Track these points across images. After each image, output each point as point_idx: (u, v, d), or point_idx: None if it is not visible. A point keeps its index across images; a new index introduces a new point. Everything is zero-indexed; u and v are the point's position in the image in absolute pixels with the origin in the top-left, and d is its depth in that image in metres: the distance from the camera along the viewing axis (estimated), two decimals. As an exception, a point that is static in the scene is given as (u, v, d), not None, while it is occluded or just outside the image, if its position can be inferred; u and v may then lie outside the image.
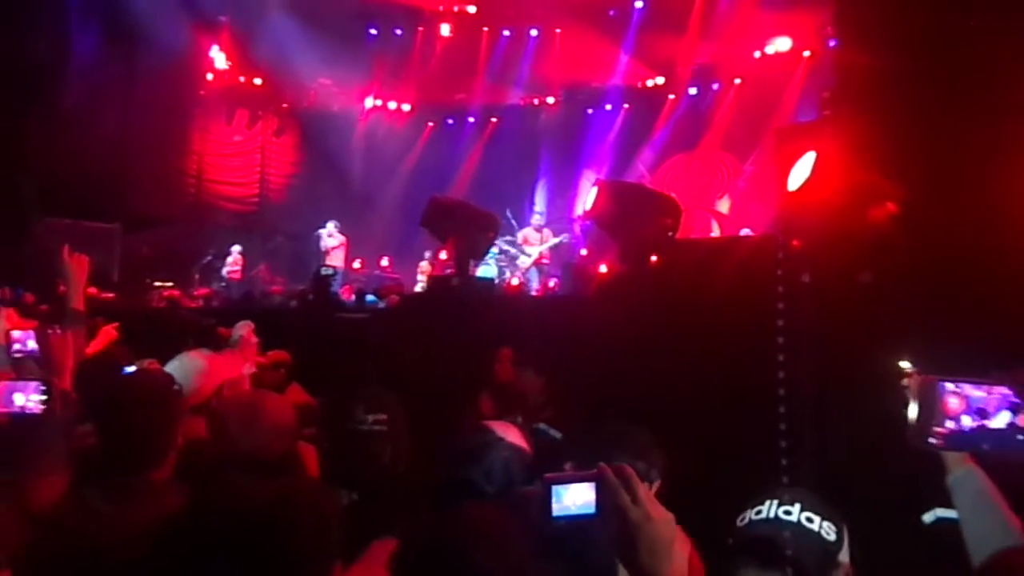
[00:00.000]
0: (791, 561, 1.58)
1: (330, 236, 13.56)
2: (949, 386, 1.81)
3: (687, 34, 13.69)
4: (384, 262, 14.52)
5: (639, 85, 15.12)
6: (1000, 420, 1.79)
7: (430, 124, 17.13)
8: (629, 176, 14.04)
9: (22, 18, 10.85)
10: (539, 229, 12.39)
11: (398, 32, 16.26)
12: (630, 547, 1.31)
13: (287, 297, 11.05)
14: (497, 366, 4.28)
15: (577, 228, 13.12)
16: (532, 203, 15.33)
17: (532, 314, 6.55)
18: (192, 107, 15.31)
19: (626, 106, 15.38)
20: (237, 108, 16.24)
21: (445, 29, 15.98)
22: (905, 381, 1.95)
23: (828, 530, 1.65)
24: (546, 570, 1.65)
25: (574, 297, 8.64)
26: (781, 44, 13.20)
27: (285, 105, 16.70)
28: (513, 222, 12.68)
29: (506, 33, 15.80)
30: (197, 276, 13.32)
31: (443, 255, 11.42)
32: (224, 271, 13.65)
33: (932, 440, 1.82)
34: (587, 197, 7.90)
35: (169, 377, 2.49)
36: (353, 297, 10.74)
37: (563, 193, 15.50)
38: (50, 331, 2.90)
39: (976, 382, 1.81)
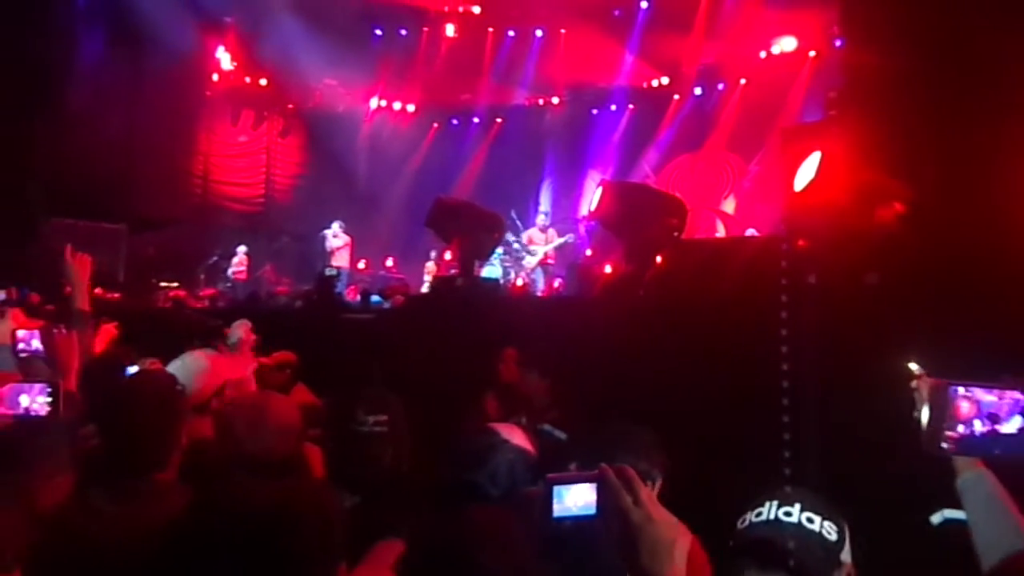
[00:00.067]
0: (792, 563, 1.57)
1: (335, 236, 13.58)
2: (961, 390, 1.80)
3: (692, 34, 13.67)
4: (389, 262, 14.54)
5: (644, 85, 15.10)
6: (1012, 425, 1.77)
7: (435, 124, 17.14)
8: (634, 176, 14.02)
9: (28, 20, 10.88)
10: (544, 229, 12.39)
11: (403, 33, 16.27)
12: (631, 549, 1.31)
13: (292, 297, 11.06)
14: (502, 367, 4.27)
15: (582, 228, 13.10)
16: (537, 203, 15.33)
17: (537, 315, 6.54)
18: (198, 108, 15.35)
19: (631, 106, 15.36)
20: (242, 109, 16.27)
21: (450, 29, 15.99)
22: (914, 383, 1.94)
23: (829, 530, 1.64)
24: (550, 572, 1.64)
25: (579, 298, 8.63)
26: (786, 44, 13.17)
27: (290, 106, 16.73)
28: (518, 222, 12.68)
29: (511, 33, 15.79)
30: (203, 276, 13.35)
31: (448, 255, 11.42)
32: (230, 271, 13.68)
33: (944, 445, 1.81)
34: (592, 197, 7.89)
35: (172, 378, 2.49)
36: (358, 297, 10.75)
37: (568, 193, 15.49)
38: (56, 331, 2.91)
39: (988, 386, 1.80)
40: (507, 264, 12.30)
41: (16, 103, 10.59)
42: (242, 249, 13.95)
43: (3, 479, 2.02)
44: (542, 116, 16.47)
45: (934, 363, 1.96)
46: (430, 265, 13.07)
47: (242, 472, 2.25)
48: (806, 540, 1.60)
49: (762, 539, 1.63)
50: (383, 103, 17.07)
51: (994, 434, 1.78)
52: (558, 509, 1.39)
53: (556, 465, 2.20)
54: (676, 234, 6.11)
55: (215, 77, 15.52)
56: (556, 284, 11.69)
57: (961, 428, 1.79)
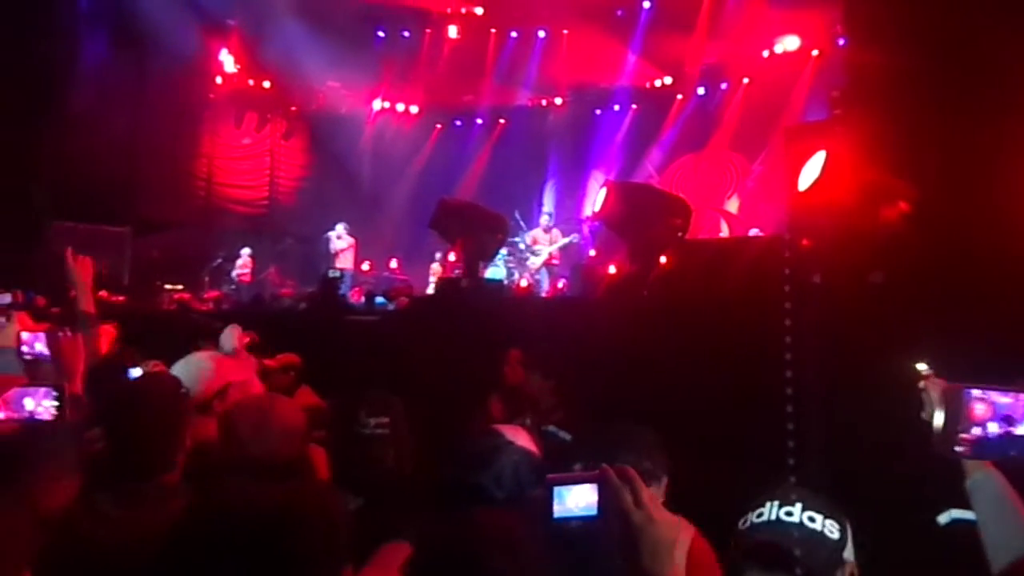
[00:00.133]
0: (795, 564, 1.56)
1: (339, 238, 13.59)
2: (975, 393, 1.79)
3: (695, 34, 13.65)
4: (393, 264, 14.54)
5: (647, 85, 15.09)
6: None
7: (438, 126, 17.15)
8: (637, 176, 14.01)
9: (32, 22, 10.91)
10: (548, 230, 12.39)
11: (406, 34, 16.27)
12: (632, 549, 1.30)
13: (297, 299, 11.07)
14: (506, 368, 4.27)
15: (586, 229, 13.11)
16: (540, 204, 15.33)
17: (541, 315, 6.54)
18: (201, 110, 15.39)
19: (634, 106, 15.35)
20: (246, 111, 16.31)
21: (453, 31, 15.99)
22: (921, 384, 1.93)
23: (831, 528, 1.63)
24: (553, 574, 1.64)
25: (583, 298, 8.63)
26: (789, 43, 13.15)
27: (294, 108, 16.76)
28: (522, 223, 12.68)
29: (513, 34, 15.79)
30: (207, 279, 13.38)
31: (452, 257, 11.43)
32: (234, 274, 13.71)
33: (958, 448, 1.80)
34: (595, 198, 7.88)
35: (177, 381, 2.50)
36: (363, 299, 10.76)
37: (571, 194, 15.49)
38: (61, 334, 2.91)
39: (1003, 389, 1.79)
40: (511, 265, 12.30)
41: (20, 106, 10.61)
42: (246, 251, 13.97)
43: (9, 483, 2.02)
44: (545, 117, 16.47)
45: (940, 363, 1.96)
46: (435, 267, 13.07)
47: (246, 474, 2.25)
48: (808, 540, 1.59)
49: (764, 541, 1.62)
50: (386, 105, 17.09)
51: (1009, 436, 1.77)
52: (559, 510, 1.38)
53: (561, 466, 2.20)
54: (680, 234, 6.10)
55: (218, 80, 15.56)
56: (560, 285, 11.69)
57: (976, 430, 1.79)
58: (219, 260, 13.77)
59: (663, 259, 5.65)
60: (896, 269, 3.73)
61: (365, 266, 14.32)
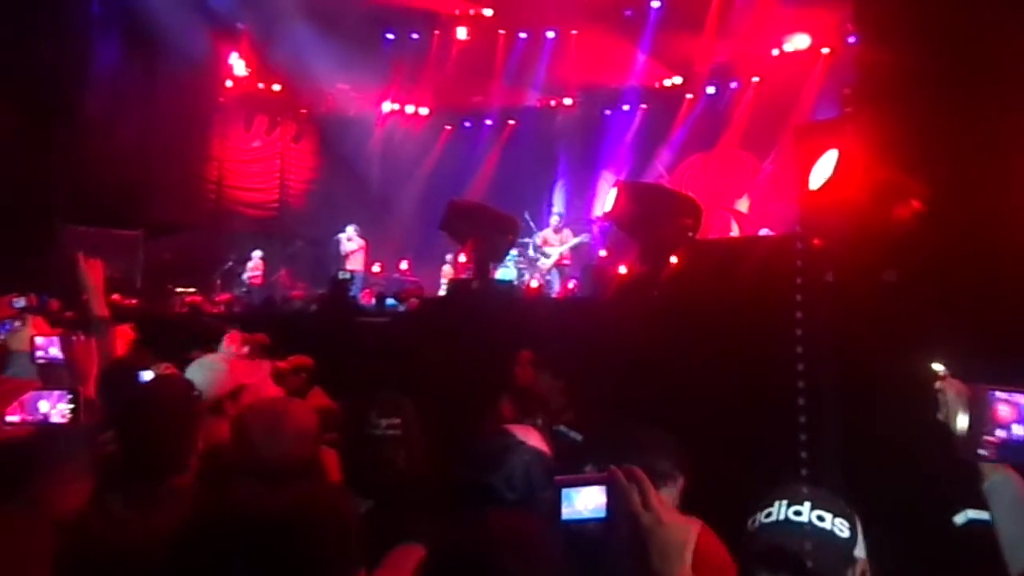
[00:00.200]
0: (805, 567, 1.54)
1: (349, 240, 13.61)
2: (1000, 394, 1.76)
3: (704, 33, 13.62)
4: (403, 265, 14.56)
5: (656, 85, 15.05)
6: None
7: (447, 127, 17.16)
8: (647, 176, 13.98)
9: (44, 27, 10.98)
10: (558, 230, 12.38)
11: (415, 36, 16.30)
12: (641, 552, 1.29)
13: (308, 301, 11.10)
14: (517, 369, 4.27)
15: (596, 229, 13.08)
16: (550, 205, 15.32)
17: (552, 316, 6.53)
18: (212, 114, 15.44)
19: (644, 106, 15.32)
20: (256, 114, 16.36)
21: (462, 32, 16.01)
22: (938, 384, 1.91)
23: (841, 527, 1.60)
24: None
25: (593, 299, 8.61)
26: (799, 41, 13.09)
27: (303, 111, 16.80)
28: (531, 224, 12.67)
29: (522, 35, 15.79)
30: (218, 282, 13.43)
31: (462, 258, 11.43)
32: (245, 276, 13.75)
33: (982, 451, 1.77)
34: (605, 198, 7.87)
35: (188, 383, 2.50)
36: (373, 301, 10.77)
37: (581, 194, 15.47)
38: (74, 338, 2.92)
39: None
40: (521, 266, 12.29)
41: (32, 110, 10.68)
42: (257, 254, 14.01)
43: (24, 485, 2.03)
44: (554, 117, 16.46)
45: (955, 362, 1.94)
46: (447, 269, 13.07)
47: (259, 477, 2.25)
48: (818, 541, 1.57)
49: (773, 544, 1.60)
50: (395, 107, 17.11)
51: None
52: (567, 512, 1.37)
53: (572, 466, 2.19)
54: (690, 234, 6.09)
55: (228, 83, 15.61)
56: (571, 285, 11.67)
57: (1000, 433, 1.75)
58: (230, 263, 13.82)
59: (674, 259, 5.64)
60: (909, 268, 3.70)
61: (375, 268, 14.34)
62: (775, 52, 13.41)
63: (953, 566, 2.52)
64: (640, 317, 5.01)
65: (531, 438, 2.26)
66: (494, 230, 7.50)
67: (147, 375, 3.14)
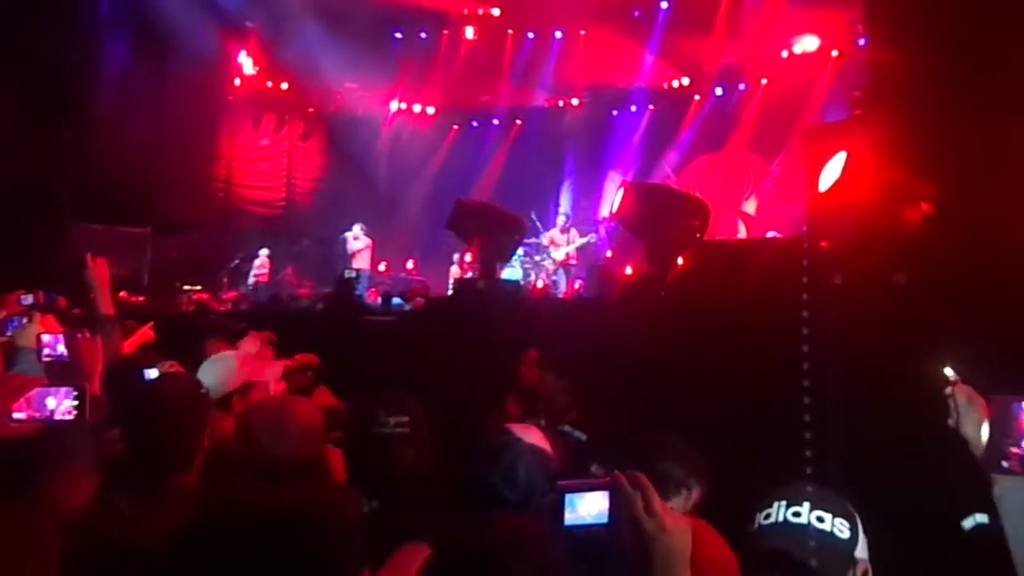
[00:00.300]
0: (805, 570, 1.52)
1: (356, 239, 13.63)
2: None
3: (713, 34, 13.59)
4: (410, 264, 14.57)
5: (664, 86, 15.04)
6: None
7: (455, 127, 17.17)
8: (655, 177, 13.96)
9: (53, 25, 11.02)
10: (565, 230, 12.37)
11: (423, 36, 16.32)
12: (644, 559, 1.27)
13: (314, 300, 11.12)
14: (523, 368, 4.27)
15: (602, 230, 13.07)
16: (557, 205, 15.31)
17: (558, 316, 6.52)
18: (220, 112, 15.50)
19: (651, 107, 15.31)
20: (264, 113, 16.41)
21: (470, 32, 16.02)
22: (949, 389, 1.89)
23: (841, 528, 1.58)
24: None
25: (599, 299, 8.60)
26: (808, 43, 13.06)
27: (311, 109, 16.85)
28: (538, 224, 12.67)
29: (530, 35, 15.80)
30: (225, 280, 13.47)
31: (468, 257, 11.43)
32: (252, 274, 13.78)
33: (1005, 463, 1.73)
34: (612, 199, 7.86)
35: (196, 381, 2.51)
36: (379, 300, 10.78)
37: (588, 195, 15.46)
38: (80, 336, 2.93)
39: None
40: (528, 266, 12.29)
41: (42, 108, 10.72)
42: (264, 252, 14.04)
43: (29, 482, 2.03)
44: (562, 117, 16.45)
45: (965, 366, 1.92)
46: (454, 269, 13.06)
47: (263, 475, 2.25)
48: (817, 543, 1.55)
49: (773, 548, 1.57)
50: (403, 106, 17.14)
51: None
52: (570, 518, 1.34)
53: (576, 465, 2.18)
54: (698, 235, 6.08)
55: (237, 82, 15.67)
56: (577, 285, 11.66)
57: None
58: (237, 261, 13.86)
59: (680, 260, 5.63)
60: (919, 270, 3.69)
61: (382, 267, 14.36)
62: (784, 54, 13.38)
63: (961, 570, 2.50)
64: (646, 318, 5.00)
65: (531, 436, 2.25)
66: (501, 230, 7.50)
67: (152, 373, 3.15)
